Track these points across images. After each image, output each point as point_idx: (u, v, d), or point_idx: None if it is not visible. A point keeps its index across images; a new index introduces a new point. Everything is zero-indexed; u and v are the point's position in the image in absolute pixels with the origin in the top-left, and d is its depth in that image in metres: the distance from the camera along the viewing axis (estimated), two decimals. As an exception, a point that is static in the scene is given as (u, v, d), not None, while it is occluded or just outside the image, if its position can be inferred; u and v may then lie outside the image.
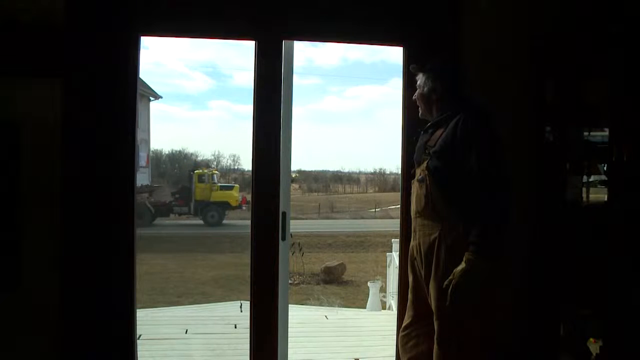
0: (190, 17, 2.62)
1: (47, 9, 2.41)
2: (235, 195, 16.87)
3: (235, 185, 17.91)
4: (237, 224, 16.64)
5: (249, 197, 18.98)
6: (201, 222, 16.17)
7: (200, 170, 17.13)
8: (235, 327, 4.78)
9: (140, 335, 3.85)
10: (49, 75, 2.43)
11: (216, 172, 18.22)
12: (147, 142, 21.18)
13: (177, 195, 16.95)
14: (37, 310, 2.47)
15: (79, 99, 2.44)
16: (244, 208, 17.71)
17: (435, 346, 2.18)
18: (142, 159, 21.03)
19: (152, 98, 20.97)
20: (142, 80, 19.91)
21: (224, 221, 16.38)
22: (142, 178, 20.44)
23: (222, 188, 16.96)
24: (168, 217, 16.46)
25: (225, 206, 16.59)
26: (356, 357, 3.69)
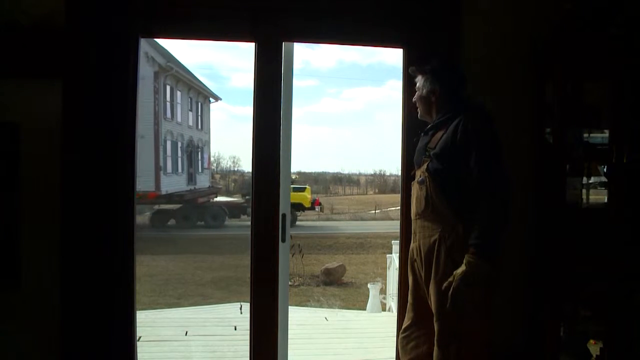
0: (190, 18, 2.62)
1: (48, 10, 2.41)
2: (308, 196, 17.07)
3: (307, 186, 18.03)
4: (314, 225, 16.75)
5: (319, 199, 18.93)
6: None
7: None
8: (235, 329, 4.78)
9: (140, 337, 3.86)
10: (49, 76, 2.43)
11: None
12: (209, 143, 21.20)
13: (247, 197, 17.07)
14: (36, 312, 2.47)
15: (79, 101, 2.44)
16: (317, 209, 17.75)
17: (435, 348, 2.18)
18: (205, 160, 21.20)
19: (212, 99, 20.96)
20: (201, 82, 19.93)
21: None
22: (204, 179, 20.60)
23: (294, 190, 17.10)
24: (239, 219, 16.62)
25: (298, 207, 16.82)
26: (356, 358, 3.69)
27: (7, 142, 2.37)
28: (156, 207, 16.00)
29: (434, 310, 2.19)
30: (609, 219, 2.53)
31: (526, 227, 2.71)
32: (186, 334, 4.55)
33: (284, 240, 2.71)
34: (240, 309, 5.62)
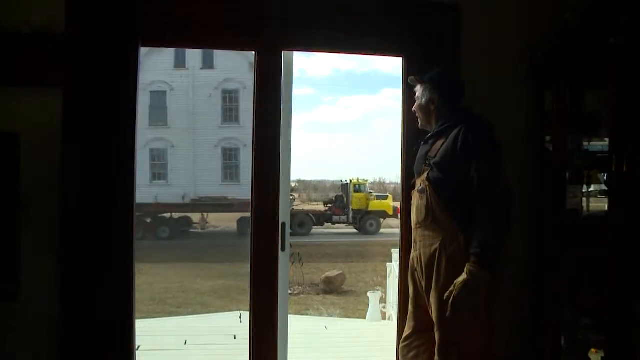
0: (191, 27, 2.63)
1: (47, 20, 2.42)
2: (391, 204, 17.15)
3: (389, 195, 18.17)
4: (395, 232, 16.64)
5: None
6: (354, 230, 16.52)
7: (356, 180, 17.37)
8: (235, 338, 4.77)
9: (139, 346, 3.84)
10: (49, 85, 2.43)
11: (367, 182, 18.47)
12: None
13: (330, 205, 17.33)
14: (35, 321, 2.45)
15: (78, 110, 2.44)
16: (399, 217, 17.77)
17: (436, 357, 2.17)
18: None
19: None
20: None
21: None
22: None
23: (377, 197, 17.34)
24: (322, 226, 16.84)
25: (382, 215, 16.92)
26: (356, 368, 3.67)
27: (7, 152, 2.37)
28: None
29: (434, 319, 2.18)
30: (609, 227, 2.52)
31: (526, 236, 2.71)
32: (185, 343, 4.54)
33: (283, 249, 2.71)
34: (240, 317, 5.60)
